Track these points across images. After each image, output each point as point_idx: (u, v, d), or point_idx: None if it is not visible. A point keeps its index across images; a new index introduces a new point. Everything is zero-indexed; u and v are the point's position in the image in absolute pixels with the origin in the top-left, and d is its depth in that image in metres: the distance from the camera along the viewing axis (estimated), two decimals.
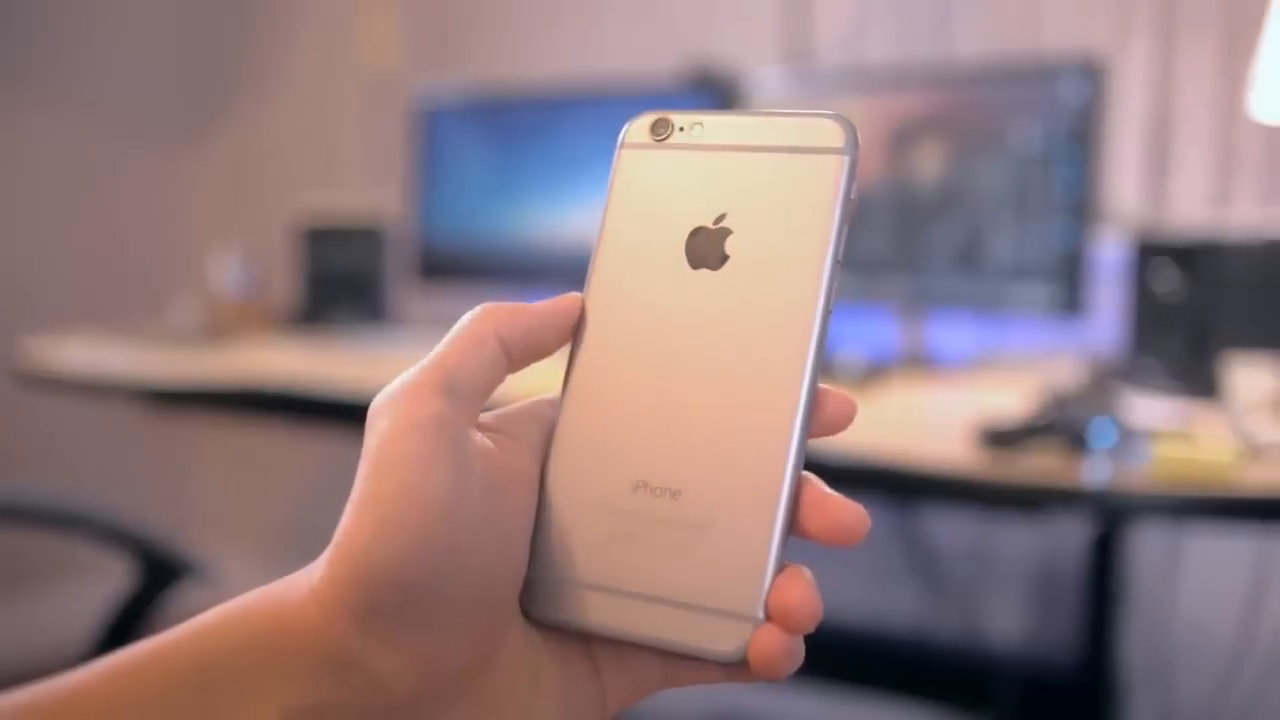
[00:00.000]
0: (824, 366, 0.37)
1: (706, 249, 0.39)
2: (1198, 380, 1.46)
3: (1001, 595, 1.99)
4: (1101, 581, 1.85)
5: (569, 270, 2.07)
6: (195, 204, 2.94)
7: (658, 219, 0.40)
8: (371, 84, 2.64)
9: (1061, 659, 1.94)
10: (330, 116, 2.73)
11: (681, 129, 0.41)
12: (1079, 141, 1.66)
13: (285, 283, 2.51)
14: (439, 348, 0.37)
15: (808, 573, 0.36)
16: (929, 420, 1.42)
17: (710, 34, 2.20)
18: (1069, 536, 1.91)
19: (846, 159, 0.38)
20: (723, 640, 0.35)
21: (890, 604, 2.02)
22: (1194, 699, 1.87)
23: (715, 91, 1.95)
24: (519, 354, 0.38)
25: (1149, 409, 1.31)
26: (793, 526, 0.36)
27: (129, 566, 1.30)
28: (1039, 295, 1.69)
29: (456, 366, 0.36)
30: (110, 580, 1.40)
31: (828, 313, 0.37)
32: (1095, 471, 1.09)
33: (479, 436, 0.36)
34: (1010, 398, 1.38)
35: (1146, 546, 1.88)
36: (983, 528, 1.95)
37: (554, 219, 2.09)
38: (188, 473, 3.00)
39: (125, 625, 1.29)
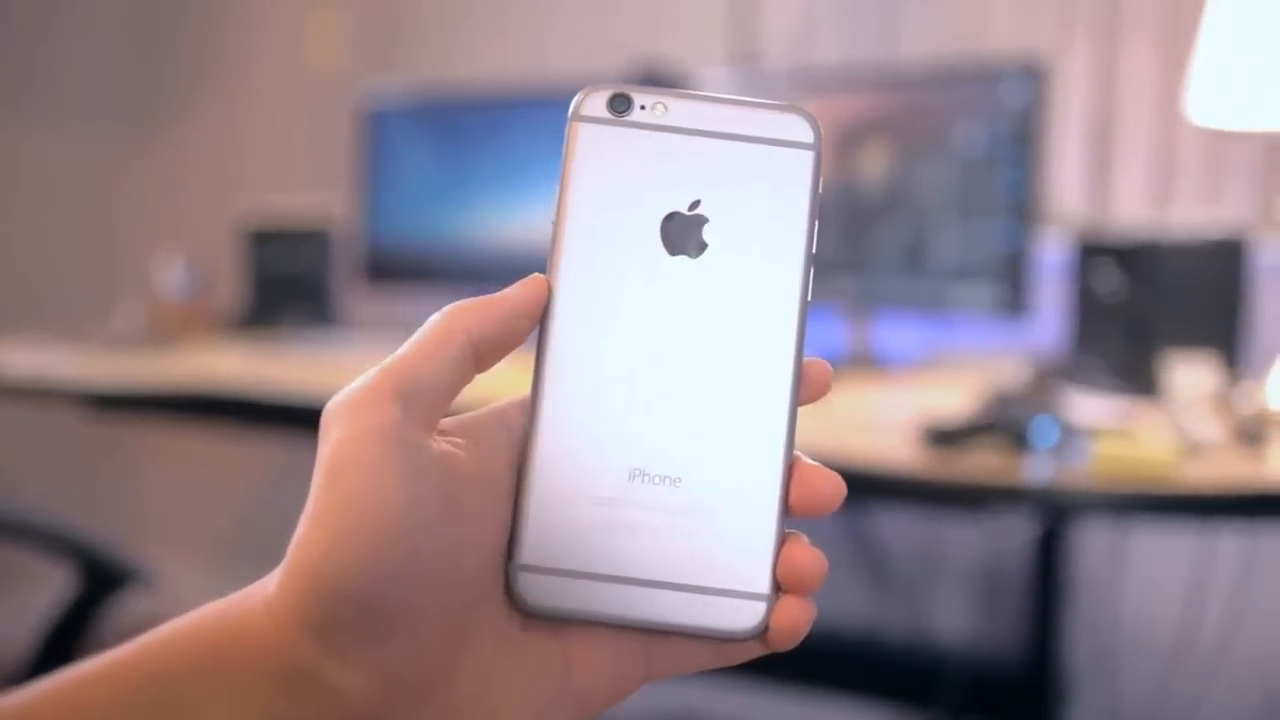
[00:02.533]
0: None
1: (684, 235, 0.38)
2: (1138, 379, 1.48)
3: (948, 593, 2.00)
4: (1046, 578, 1.87)
5: (517, 272, 2.06)
6: (140, 206, 2.91)
7: (627, 201, 0.39)
8: (318, 85, 2.62)
9: (1008, 655, 1.96)
10: (276, 117, 2.71)
11: (643, 107, 0.39)
12: (1022, 143, 1.68)
13: (231, 286, 2.48)
14: (401, 349, 0.36)
15: (804, 537, 0.37)
16: (875, 420, 1.42)
17: (657, 35, 2.20)
18: (1014, 534, 1.93)
19: (814, 154, 0.39)
20: (736, 619, 0.36)
21: (839, 602, 2.02)
22: (1138, 693, 1.89)
23: None
24: (490, 351, 0.37)
25: (1090, 407, 1.32)
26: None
27: (70, 574, 1.29)
28: (983, 295, 1.70)
29: (415, 369, 0.35)
30: (51, 589, 1.38)
31: (807, 303, 0.38)
32: (1037, 470, 1.11)
33: (438, 441, 0.35)
34: (955, 397, 1.39)
35: (1091, 543, 1.90)
36: (929, 526, 1.97)
37: (502, 220, 2.08)
38: (133, 478, 2.97)
39: (66, 634, 1.28)
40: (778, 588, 0.37)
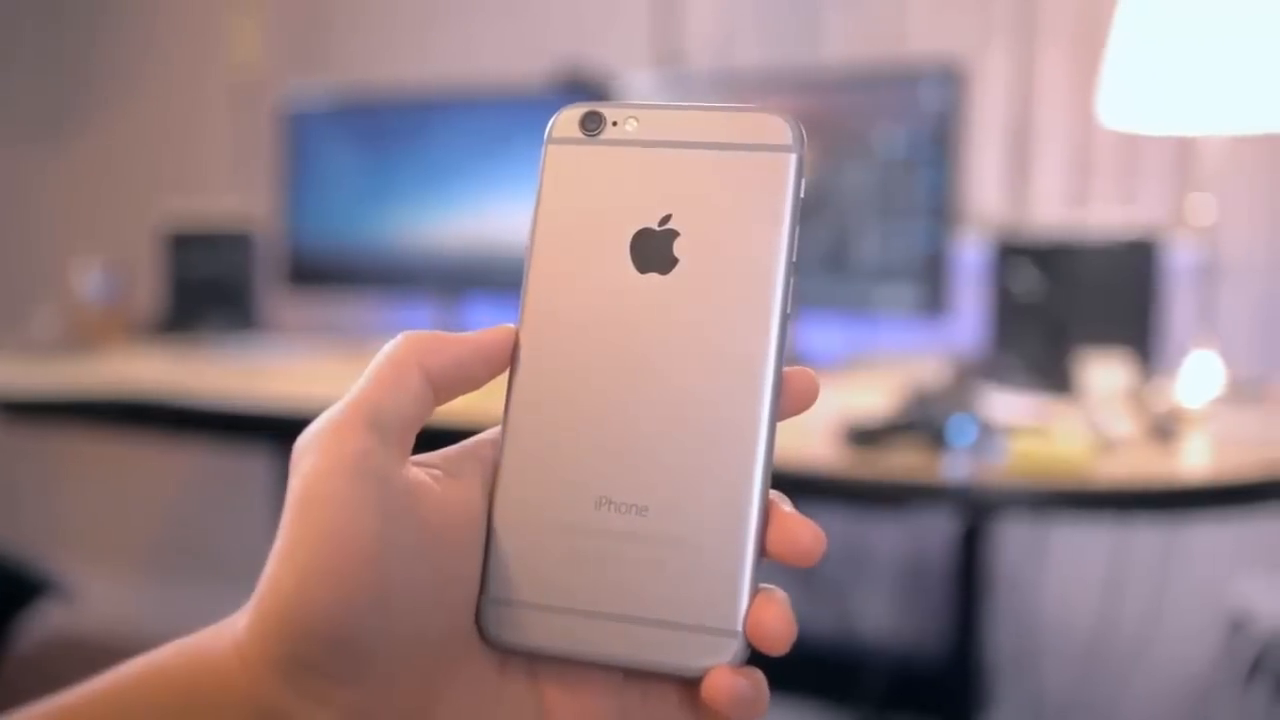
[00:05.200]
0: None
1: (654, 252, 0.37)
2: (1055, 377, 1.51)
3: (872, 590, 2.02)
4: (968, 575, 1.90)
5: (441, 276, 2.06)
6: (58, 209, 2.85)
7: (597, 221, 0.37)
8: (239, 86, 2.59)
9: (931, 650, 1.98)
10: (196, 119, 2.67)
11: (615, 123, 0.38)
12: (941, 145, 1.70)
13: (151, 290, 2.45)
14: (360, 381, 0.35)
15: (778, 593, 0.35)
16: (798, 420, 1.43)
17: (582, 38, 2.20)
18: (936, 532, 1.95)
19: (794, 156, 0.37)
20: (701, 656, 0.34)
21: None
22: (1059, 686, 1.93)
23: (587, 95, 1.96)
24: (444, 386, 0.36)
25: (1007, 405, 1.34)
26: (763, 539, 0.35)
27: None
28: (903, 296, 1.72)
29: (380, 400, 0.34)
30: None
31: (785, 316, 0.36)
32: (955, 468, 1.12)
33: (413, 472, 0.34)
34: (876, 397, 1.40)
35: (1011, 540, 1.93)
36: (853, 525, 1.99)
37: (425, 223, 2.07)
38: (48, 487, 2.91)
39: None
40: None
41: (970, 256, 1.81)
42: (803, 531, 0.35)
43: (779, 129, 0.37)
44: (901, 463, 1.13)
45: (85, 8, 2.81)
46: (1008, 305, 1.65)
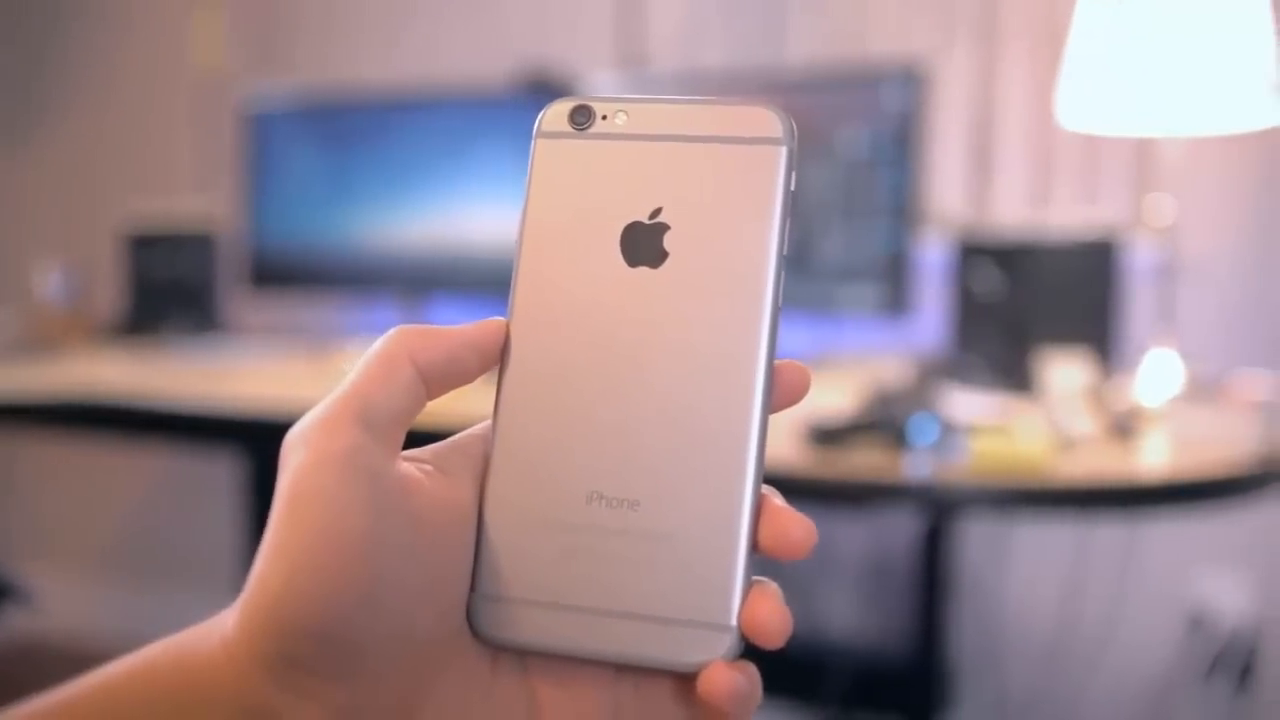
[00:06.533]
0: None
1: (644, 246, 0.37)
2: (1016, 375, 1.52)
3: (836, 589, 2.03)
4: (931, 573, 1.91)
5: (405, 277, 2.05)
6: (17, 210, 2.82)
7: (586, 215, 0.37)
8: (200, 86, 2.57)
9: (894, 649, 1.99)
10: (158, 119, 2.65)
11: (604, 117, 0.38)
12: (903, 145, 1.71)
13: (112, 291, 2.43)
14: (351, 375, 0.34)
15: (772, 586, 0.35)
16: None
17: (546, 38, 2.20)
18: (901, 531, 1.96)
19: (784, 149, 0.37)
20: (695, 651, 0.34)
21: None
22: (1022, 683, 1.94)
23: (551, 96, 1.95)
24: (436, 380, 0.36)
25: (969, 404, 1.35)
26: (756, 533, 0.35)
27: None
28: (866, 295, 1.73)
29: (370, 394, 0.34)
30: None
31: (777, 309, 0.36)
32: (917, 467, 1.13)
33: (404, 467, 0.34)
34: (839, 396, 1.41)
35: (974, 538, 1.94)
36: (817, 524, 1.99)
37: (389, 224, 2.06)
38: (9, 490, 2.88)
39: None
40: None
41: (932, 256, 1.83)
42: (794, 525, 0.35)
43: (769, 122, 0.37)
44: (864, 462, 1.14)
45: (47, 8, 2.79)
46: (969, 305, 1.66)
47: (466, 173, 1.98)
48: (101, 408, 1.59)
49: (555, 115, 0.39)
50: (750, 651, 0.35)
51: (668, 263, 0.36)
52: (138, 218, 2.35)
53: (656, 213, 0.37)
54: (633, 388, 0.36)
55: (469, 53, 2.28)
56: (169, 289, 2.23)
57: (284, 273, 2.17)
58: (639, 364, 0.36)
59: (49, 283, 2.20)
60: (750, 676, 0.34)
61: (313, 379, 1.72)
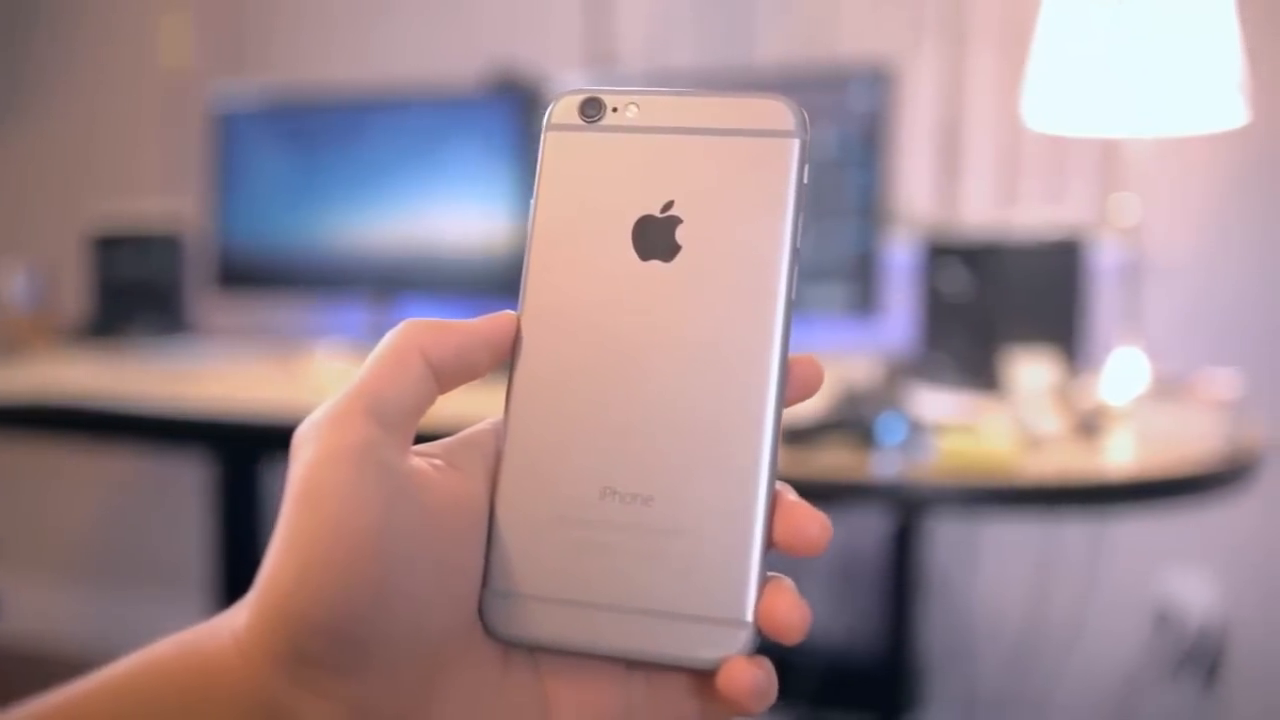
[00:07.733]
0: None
1: (656, 239, 0.36)
2: (983, 375, 1.53)
3: (806, 587, 2.03)
4: (901, 571, 1.92)
5: (373, 278, 2.04)
6: None
7: (598, 209, 0.37)
8: (168, 86, 2.56)
9: (864, 647, 2.00)
10: (125, 120, 2.63)
11: (615, 109, 0.38)
12: (871, 146, 1.71)
13: (79, 293, 2.41)
14: (362, 369, 0.34)
15: (787, 581, 0.35)
16: None
17: (515, 38, 2.20)
18: (870, 530, 1.97)
19: (797, 141, 0.36)
20: (712, 647, 0.33)
21: None
22: (991, 680, 1.95)
23: (519, 95, 1.95)
24: (448, 374, 0.35)
25: (936, 403, 1.36)
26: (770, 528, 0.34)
27: None
28: (835, 295, 1.73)
29: (382, 388, 0.33)
30: None
31: (790, 302, 0.35)
32: (885, 466, 1.13)
33: (416, 461, 0.33)
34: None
35: (943, 537, 1.95)
36: None
37: (357, 225, 2.05)
38: None
39: None
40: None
41: (900, 256, 1.83)
42: (810, 521, 0.34)
43: (782, 114, 0.37)
44: (832, 461, 1.14)
45: (12, 10, 2.76)
46: (937, 305, 1.67)
47: (436, 173, 1.97)
48: (67, 410, 1.58)
49: (565, 107, 0.38)
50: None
51: (680, 256, 0.36)
52: (104, 218, 2.33)
53: (668, 206, 0.36)
54: (645, 382, 0.35)
55: (438, 53, 2.27)
56: (136, 290, 2.21)
57: (252, 274, 2.16)
58: (652, 358, 0.36)
59: (14, 284, 2.18)
60: (769, 672, 0.33)
61: (281, 381, 1.71)
